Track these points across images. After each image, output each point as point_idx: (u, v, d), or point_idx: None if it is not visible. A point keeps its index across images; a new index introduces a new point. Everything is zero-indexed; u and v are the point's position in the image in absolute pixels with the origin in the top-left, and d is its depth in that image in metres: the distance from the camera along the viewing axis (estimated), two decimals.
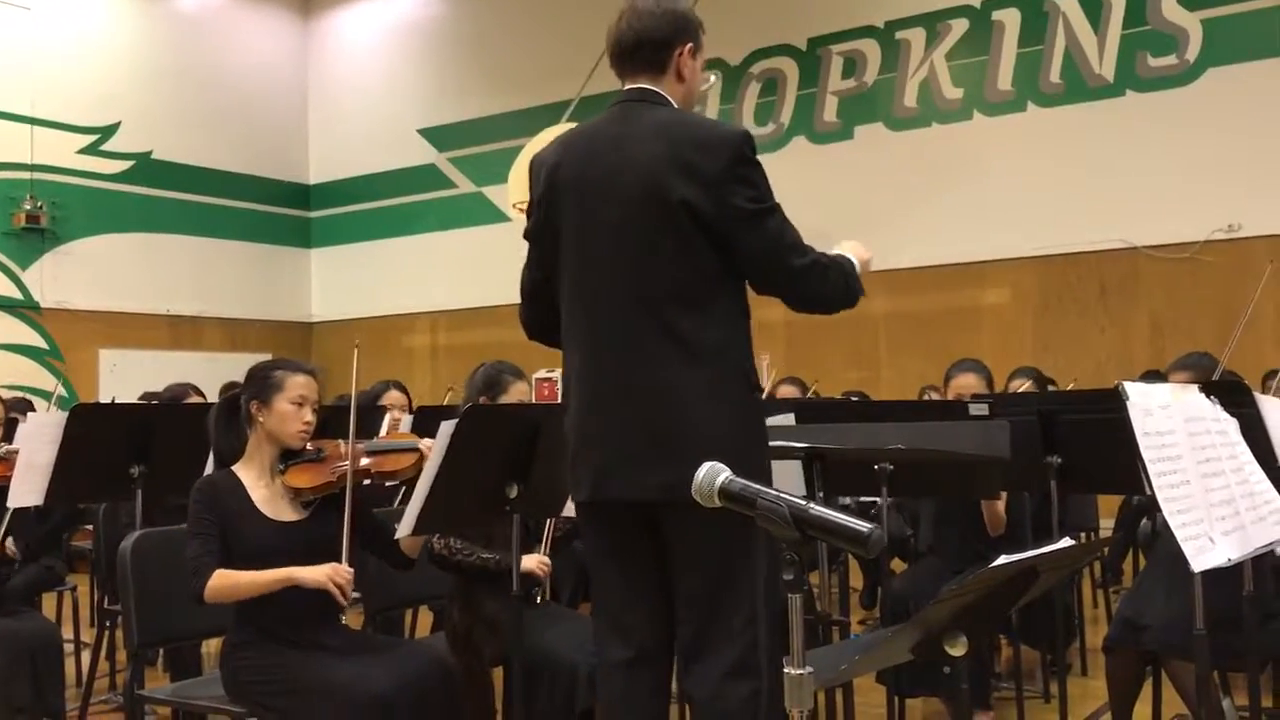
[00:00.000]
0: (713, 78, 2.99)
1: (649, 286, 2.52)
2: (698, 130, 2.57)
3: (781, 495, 1.49)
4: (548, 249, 2.69)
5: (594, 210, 2.57)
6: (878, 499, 3.53)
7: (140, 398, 6.82)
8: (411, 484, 3.18)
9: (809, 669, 1.44)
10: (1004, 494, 4.07)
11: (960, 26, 8.99)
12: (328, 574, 2.94)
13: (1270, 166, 7.72)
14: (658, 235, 2.50)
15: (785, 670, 1.48)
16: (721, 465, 1.55)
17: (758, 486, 1.51)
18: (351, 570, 2.98)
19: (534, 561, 3.55)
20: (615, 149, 2.57)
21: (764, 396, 4.53)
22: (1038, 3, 8.67)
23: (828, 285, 2.58)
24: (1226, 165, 7.85)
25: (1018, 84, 8.79)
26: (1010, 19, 8.79)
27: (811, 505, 1.47)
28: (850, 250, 2.68)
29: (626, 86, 2.67)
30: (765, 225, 2.52)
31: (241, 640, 3.04)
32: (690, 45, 2.65)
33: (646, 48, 2.62)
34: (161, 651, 4.48)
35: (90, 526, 5.48)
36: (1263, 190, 7.75)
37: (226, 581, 2.94)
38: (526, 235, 2.76)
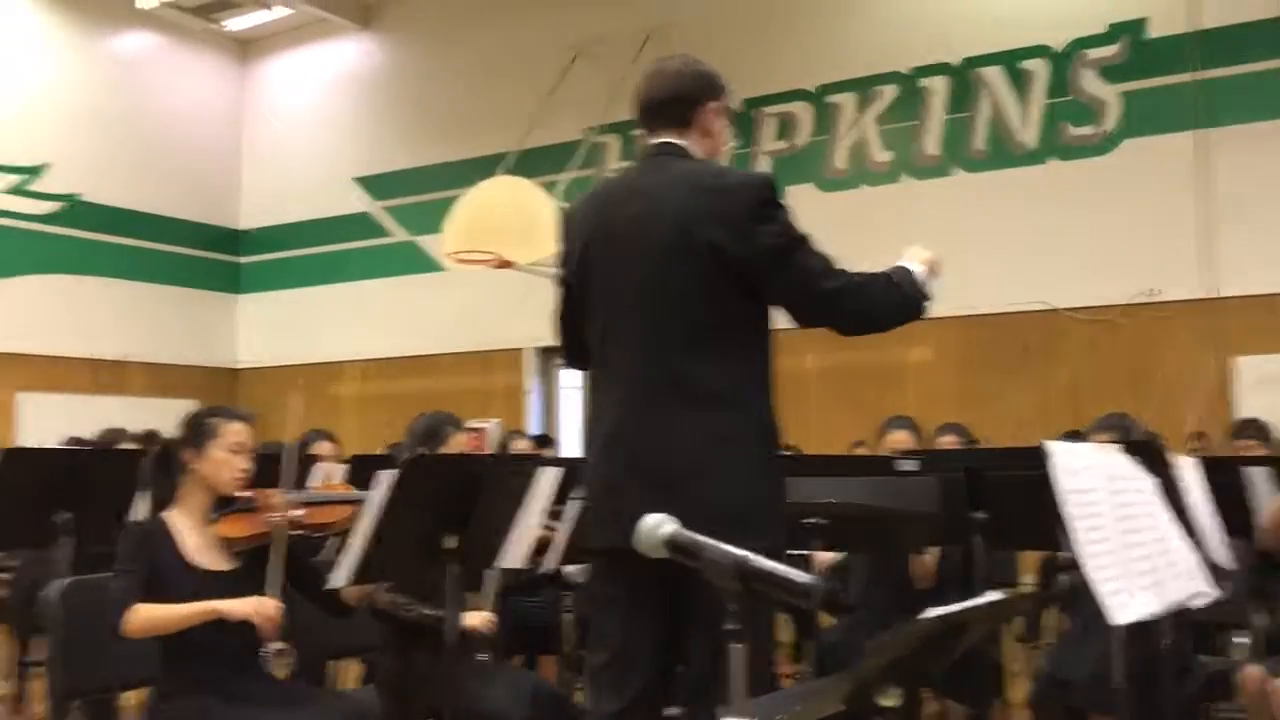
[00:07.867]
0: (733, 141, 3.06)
1: (673, 332, 2.53)
2: (720, 176, 2.62)
3: (725, 548, 1.54)
4: (578, 297, 2.72)
5: (620, 259, 2.60)
6: (806, 552, 3.59)
7: (66, 443, 6.67)
8: (345, 536, 3.15)
9: (754, 718, 1.48)
10: (934, 549, 4.15)
11: (890, 92, 9.23)
12: (254, 606, 2.91)
13: (1184, 234, 8.01)
14: (683, 280, 2.52)
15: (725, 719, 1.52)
16: (668, 517, 1.59)
17: (703, 539, 1.55)
18: (281, 606, 2.95)
19: (479, 619, 3.52)
20: (640, 199, 2.61)
21: None
22: (964, 71, 8.95)
23: (867, 302, 2.58)
24: (1144, 231, 8.12)
25: (945, 149, 9.03)
26: (938, 86, 9.06)
27: (753, 557, 1.52)
28: (912, 257, 2.68)
29: (652, 142, 2.71)
30: (792, 257, 2.54)
31: (169, 690, 2.99)
32: (715, 103, 2.73)
33: (671, 104, 2.68)
34: (77, 705, 4.36)
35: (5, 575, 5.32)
36: (1178, 257, 8.02)
37: (149, 614, 2.90)
38: (559, 283, 2.80)
